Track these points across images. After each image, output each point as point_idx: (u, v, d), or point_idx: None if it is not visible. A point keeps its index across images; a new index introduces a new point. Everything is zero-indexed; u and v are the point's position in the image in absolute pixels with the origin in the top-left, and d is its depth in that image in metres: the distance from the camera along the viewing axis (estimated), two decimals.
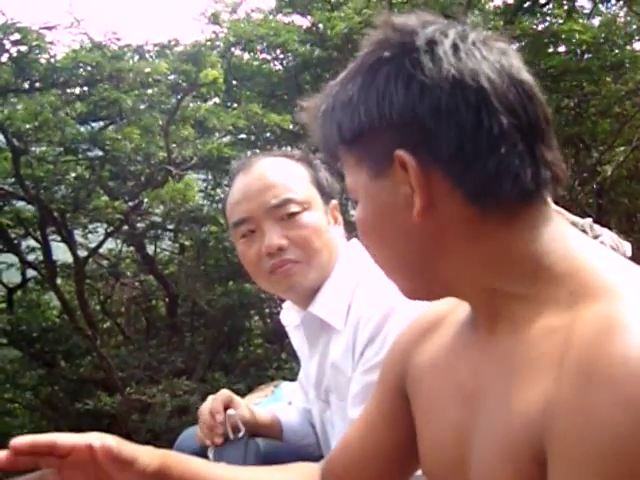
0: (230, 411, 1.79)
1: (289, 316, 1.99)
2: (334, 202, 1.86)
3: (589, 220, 3.46)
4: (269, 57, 9.23)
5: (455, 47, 0.81)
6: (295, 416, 2.04)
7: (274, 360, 8.38)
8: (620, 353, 0.67)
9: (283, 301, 1.99)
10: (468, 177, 0.81)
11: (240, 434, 1.78)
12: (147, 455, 1.05)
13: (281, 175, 1.78)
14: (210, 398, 1.84)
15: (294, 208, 1.74)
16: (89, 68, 6.13)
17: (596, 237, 3.26)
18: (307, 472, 1.21)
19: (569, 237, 0.85)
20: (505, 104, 0.81)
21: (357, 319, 1.66)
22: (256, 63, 9.03)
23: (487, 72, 0.81)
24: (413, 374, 1.04)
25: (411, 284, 0.91)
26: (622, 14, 9.48)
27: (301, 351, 1.96)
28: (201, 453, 1.89)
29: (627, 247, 3.45)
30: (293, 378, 6.02)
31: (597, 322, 0.72)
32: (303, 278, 1.74)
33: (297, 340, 1.98)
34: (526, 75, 0.84)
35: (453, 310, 0.99)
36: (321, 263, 1.75)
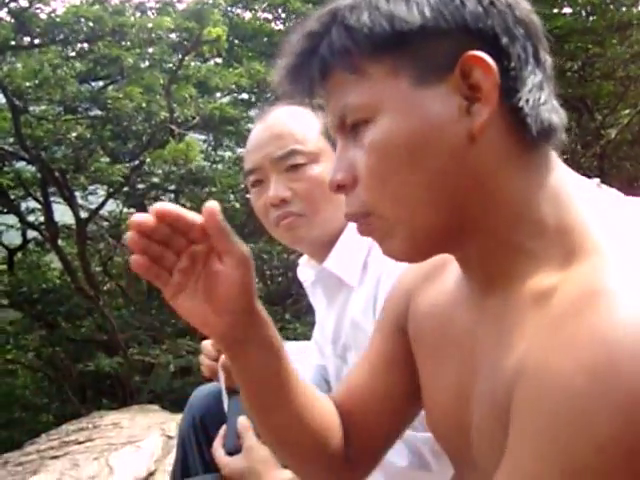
0: None
1: (305, 272, 1.96)
2: None
3: (597, 180, 3.50)
4: (270, 16, 9.12)
5: None
6: (309, 373, 2.03)
7: (277, 321, 8.36)
8: (592, 322, 0.64)
9: (284, 264, 1.96)
10: (523, 104, 0.77)
11: None
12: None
13: (291, 125, 1.73)
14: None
15: (300, 160, 1.69)
16: (90, 23, 6.04)
17: None
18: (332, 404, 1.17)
19: (573, 187, 0.80)
20: (545, 47, 0.80)
21: (378, 274, 1.63)
22: (257, 23, 8.92)
23: (534, 14, 0.79)
24: (415, 317, 1.00)
25: (431, 219, 0.79)
26: None
27: (318, 307, 1.94)
28: (214, 408, 1.89)
29: None
30: (297, 338, 6.09)
31: (578, 288, 0.69)
32: (307, 232, 1.70)
33: (314, 296, 1.95)
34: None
35: (452, 260, 0.92)
36: (326, 217, 1.70)
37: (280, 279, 9.38)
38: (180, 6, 7.06)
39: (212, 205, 0.85)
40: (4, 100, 6.86)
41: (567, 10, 9.01)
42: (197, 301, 0.89)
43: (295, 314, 8.06)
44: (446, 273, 0.96)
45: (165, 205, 0.85)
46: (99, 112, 7.27)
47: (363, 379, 1.10)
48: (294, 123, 1.71)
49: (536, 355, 0.68)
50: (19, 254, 9.34)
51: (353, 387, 1.11)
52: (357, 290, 1.67)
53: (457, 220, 0.79)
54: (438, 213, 0.78)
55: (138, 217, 0.84)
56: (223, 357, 1.75)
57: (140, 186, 8.77)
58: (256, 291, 0.93)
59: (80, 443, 4.24)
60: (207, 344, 1.82)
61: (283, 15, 8.83)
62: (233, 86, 7.44)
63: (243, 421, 1.64)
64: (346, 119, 0.81)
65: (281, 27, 8.96)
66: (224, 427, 1.68)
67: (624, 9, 8.73)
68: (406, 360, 1.03)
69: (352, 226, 1.77)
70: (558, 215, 0.77)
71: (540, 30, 0.80)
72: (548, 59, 0.80)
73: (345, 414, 1.10)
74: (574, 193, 0.79)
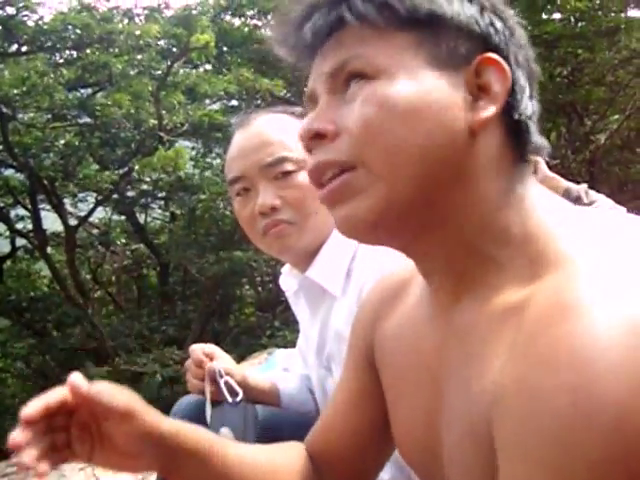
0: (226, 377, 1.76)
1: (288, 282, 1.94)
2: None
3: (584, 186, 3.42)
4: (260, 23, 9.12)
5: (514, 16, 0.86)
6: (294, 383, 2.00)
7: (267, 328, 8.38)
8: (568, 337, 0.63)
9: (274, 270, 1.93)
10: (525, 118, 0.81)
11: (238, 398, 1.75)
12: (155, 413, 0.95)
13: (278, 132, 1.72)
14: (192, 348, 1.80)
15: (289, 167, 1.67)
16: (78, 30, 6.04)
17: (592, 203, 3.24)
18: (300, 449, 1.16)
19: (546, 201, 0.81)
20: (536, 94, 0.85)
21: (361, 283, 1.61)
22: (247, 29, 8.93)
23: (536, 63, 0.84)
24: (380, 345, 0.99)
25: (412, 184, 0.76)
26: None
27: (301, 317, 1.92)
28: (196, 419, 1.85)
29: (623, 213, 3.41)
30: (286, 346, 6.05)
31: (551, 301, 0.67)
32: (296, 240, 1.68)
33: (297, 306, 1.93)
34: None
35: (416, 275, 0.90)
36: (316, 225, 1.68)
37: (270, 286, 9.37)
38: (168, 13, 7.07)
39: (74, 379, 0.86)
40: None
41: (556, 16, 9.05)
42: (110, 454, 0.92)
43: (285, 321, 8.03)
44: (407, 294, 0.95)
45: (28, 408, 0.85)
46: (87, 119, 7.25)
47: (333, 418, 1.09)
48: (281, 130, 1.70)
49: (514, 374, 0.67)
50: (8, 262, 9.31)
51: (324, 427, 1.11)
52: (340, 300, 1.65)
53: (428, 205, 0.78)
54: (418, 183, 0.76)
55: (14, 439, 0.83)
56: (208, 366, 1.73)
57: (129, 193, 8.76)
58: (154, 419, 0.94)
59: None
60: (191, 363, 1.80)
61: (272, 22, 8.83)
62: (222, 93, 7.43)
63: (226, 432, 1.62)
64: (346, 67, 0.79)
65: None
66: None
67: (612, 15, 8.77)
68: (376, 394, 1.01)
69: (336, 234, 1.76)
70: (523, 224, 0.77)
71: (537, 77, 0.84)
72: (536, 104, 0.83)
73: (319, 455, 1.09)
74: (545, 207, 0.80)
